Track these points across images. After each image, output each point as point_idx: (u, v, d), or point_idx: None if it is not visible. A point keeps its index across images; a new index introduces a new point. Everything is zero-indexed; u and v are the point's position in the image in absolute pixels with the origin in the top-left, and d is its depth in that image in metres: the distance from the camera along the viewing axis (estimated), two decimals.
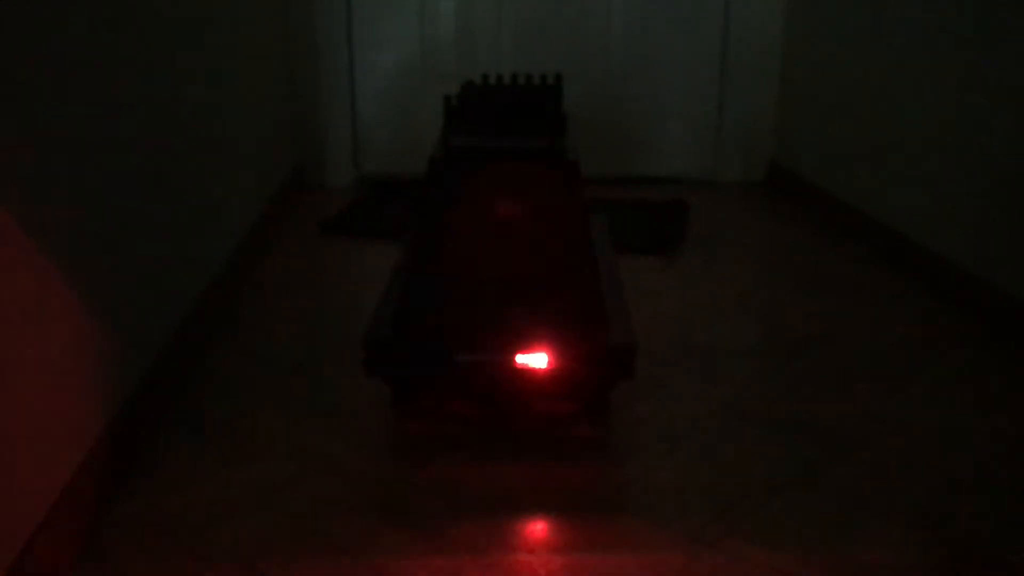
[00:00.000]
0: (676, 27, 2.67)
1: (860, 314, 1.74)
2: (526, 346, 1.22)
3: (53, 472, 0.99)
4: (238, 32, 1.94)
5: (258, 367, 1.51)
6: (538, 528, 1.09)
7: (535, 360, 1.22)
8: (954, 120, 1.79)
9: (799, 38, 2.54)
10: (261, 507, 1.13)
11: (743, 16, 2.63)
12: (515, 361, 1.22)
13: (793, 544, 1.06)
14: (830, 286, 1.89)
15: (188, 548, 1.05)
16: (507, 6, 2.65)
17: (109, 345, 1.16)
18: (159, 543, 1.06)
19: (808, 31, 2.48)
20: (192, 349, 1.50)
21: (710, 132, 2.76)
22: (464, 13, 2.65)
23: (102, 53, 1.15)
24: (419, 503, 1.14)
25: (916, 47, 1.93)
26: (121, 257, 1.21)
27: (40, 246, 0.96)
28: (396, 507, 1.13)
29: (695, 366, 1.51)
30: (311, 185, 2.70)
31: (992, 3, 1.66)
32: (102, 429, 1.12)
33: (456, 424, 1.32)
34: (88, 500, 1.06)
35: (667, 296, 1.83)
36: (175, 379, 1.41)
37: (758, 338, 1.63)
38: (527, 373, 1.23)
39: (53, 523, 0.96)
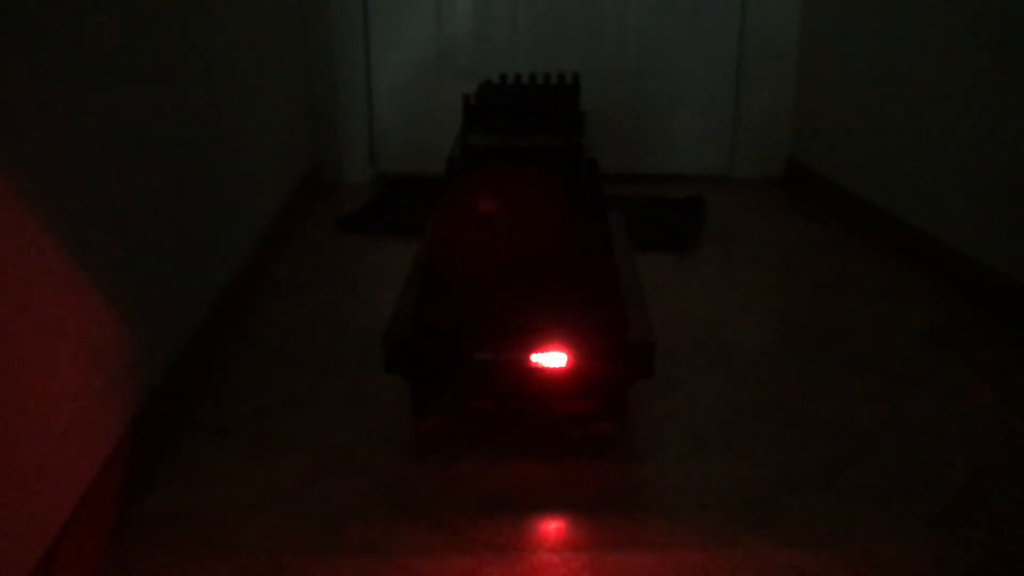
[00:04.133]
0: (692, 23, 2.67)
1: (879, 311, 1.74)
2: (545, 344, 1.22)
3: (78, 470, 1.00)
4: (255, 30, 1.95)
5: (277, 364, 1.52)
6: (558, 526, 1.09)
7: (554, 358, 1.22)
8: (972, 115, 1.79)
9: (816, 34, 2.53)
10: (283, 504, 1.14)
11: (759, 12, 2.62)
12: (534, 359, 1.23)
13: (813, 542, 1.06)
14: (848, 282, 1.89)
15: (212, 544, 1.06)
16: (523, 3, 2.65)
17: (131, 344, 1.17)
18: (183, 539, 1.07)
19: (825, 27, 2.47)
20: (212, 347, 1.52)
21: (727, 129, 2.76)
22: (480, 11, 2.66)
23: (118, 54, 1.16)
24: (440, 501, 1.14)
25: (934, 41, 1.92)
26: (143, 257, 1.22)
27: (68, 246, 0.97)
28: (417, 505, 1.14)
29: (713, 363, 1.52)
30: (328, 183, 2.72)
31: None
32: (125, 427, 1.14)
33: (476, 422, 1.33)
34: (113, 497, 1.07)
35: (685, 293, 1.83)
36: (196, 377, 1.42)
37: (776, 335, 1.63)
38: (546, 371, 1.23)
39: (79, 520, 0.97)
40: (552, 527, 1.09)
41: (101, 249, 1.07)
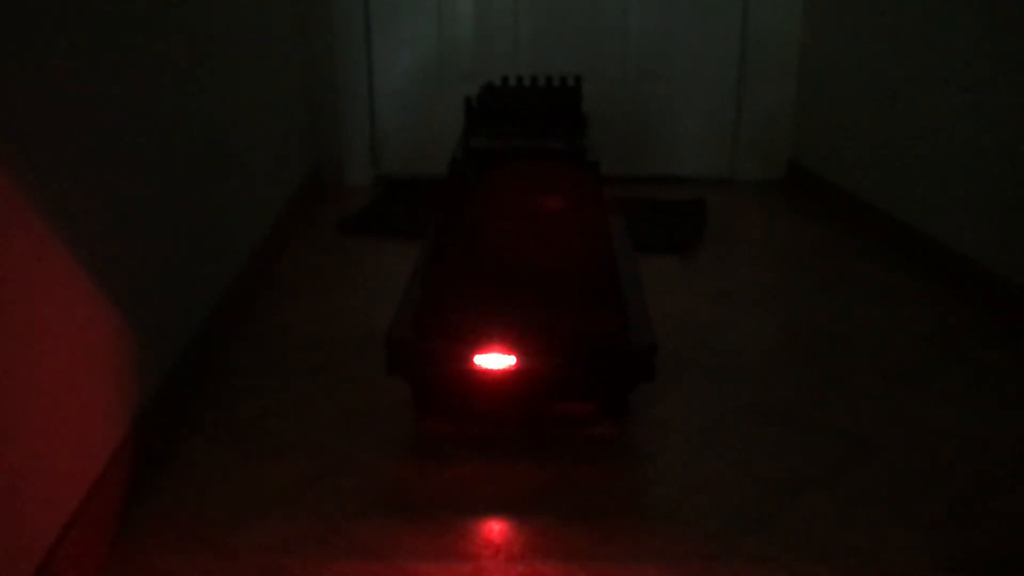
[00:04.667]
0: (694, 26, 2.67)
1: (881, 313, 1.74)
2: (546, 346, 1.22)
3: (80, 471, 1.00)
4: (256, 31, 1.95)
5: (279, 366, 1.52)
6: (558, 529, 1.09)
7: (555, 360, 1.22)
8: (973, 117, 1.79)
9: (817, 36, 2.53)
10: (284, 506, 1.14)
11: (761, 15, 2.62)
12: (535, 361, 1.23)
13: (815, 546, 1.06)
14: (850, 284, 1.89)
15: (212, 546, 1.06)
16: (524, 5, 2.65)
17: (132, 346, 1.17)
18: (184, 540, 1.07)
19: (826, 29, 2.47)
20: (213, 349, 1.52)
21: (728, 131, 2.76)
22: (481, 14, 2.66)
23: (120, 56, 1.16)
24: (439, 503, 1.14)
25: (935, 43, 1.92)
26: (143, 258, 1.22)
27: (70, 246, 0.97)
28: (416, 507, 1.14)
29: (714, 366, 1.51)
30: (330, 184, 2.72)
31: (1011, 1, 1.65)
32: (127, 428, 1.14)
33: (476, 424, 1.33)
34: (114, 498, 1.07)
35: (686, 295, 1.83)
36: (197, 378, 1.42)
37: (778, 338, 1.63)
38: (547, 373, 1.23)
39: (80, 521, 0.97)
40: (553, 530, 1.09)
41: (103, 250, 1.07)
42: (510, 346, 1.22)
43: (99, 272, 1.06)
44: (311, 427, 1.33)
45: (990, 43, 1.73)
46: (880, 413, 1.36)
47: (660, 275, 1.94)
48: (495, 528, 1.09)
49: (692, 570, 1.02)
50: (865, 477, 1.20)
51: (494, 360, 1.23)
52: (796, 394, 1.42)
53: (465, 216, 1.21)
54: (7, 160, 0.85)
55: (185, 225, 1.40)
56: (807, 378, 1.48)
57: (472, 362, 1.23)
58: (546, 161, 1.20)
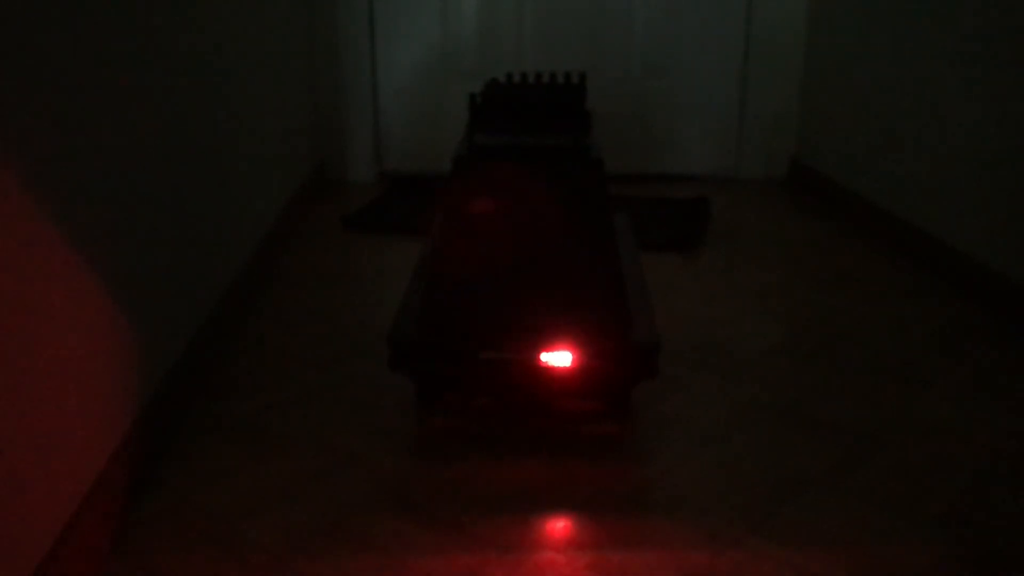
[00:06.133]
0: (698, 23, 2.66)
1: (884, 312, 1.74)
2: (550, 344, 1.22)
3: (84, 466, 1.00)
4: (261, 28, 1.95)
5: (282, 362, 1.52)
6: (562, 525, 1.10)
7: (559, 358, 1.23)
8: (976, 116, 1.78)
9: (821, 35, 2.53)
10: (288, 502, 1.14)
11: (765, 13, 2.62)
12: (539, 359, 1.23)
13: (817, 543, 1.06)
14: (853, 283, 1.89)
15: (216, 542, 1.06)
16: (529, 2, 2.65)
17: (137, 340, 1.17)
18: (188, 536, 1.07)
19: (830, 28, 2.47)
20: (218, 345, 1.52)
21: (732, 129, 2.75)
22: (486, 10, 2.66)
23: (121, 50, 1.16)
24: (443, 499, 1.15)
25: (938, 42, 1.92)
26: (148, 254, 1.22)
27: (72, 243, 0.98)
28: (420, 503, 1.14)
29: (718, 364, 1.51)
30: (333, 181, 2.72)
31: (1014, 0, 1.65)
32: (131, 424, 1.14)
33: (480, 421, 1.33)
34: (118, 494, 1.07)
35: (690, 294, 1.83)
36: (200, 375, 1.42)
37: (781, 336, 1.63)
38: (551, 371, 1.23)
39: (85, 517, 0.97)
40: (555, 526, 1.09)
41: (105, 246, 1.07)
42: (512, 343, 1.22)
43: (103, 269, 1.06)
44: (314, 423, 1.33)
45: (995, 42, 1.73)
46: (883, 411, 1.36)
47: (663, 273, 1.94)
48: (497, 523, 1.10)
49: (695, 567, 1.02)
50: (868, 474, 1.20)
51: (496, 357, 1.23)
52: (799, 392, 1.42)
53: (468, 213, 1.21)
54: (10, 157, 0.85)
55: (189, 221, 1.40)
56: (810, 376, 1.48)
57: (474, 358, 1.23)
58: (550, 158, 1.20)
